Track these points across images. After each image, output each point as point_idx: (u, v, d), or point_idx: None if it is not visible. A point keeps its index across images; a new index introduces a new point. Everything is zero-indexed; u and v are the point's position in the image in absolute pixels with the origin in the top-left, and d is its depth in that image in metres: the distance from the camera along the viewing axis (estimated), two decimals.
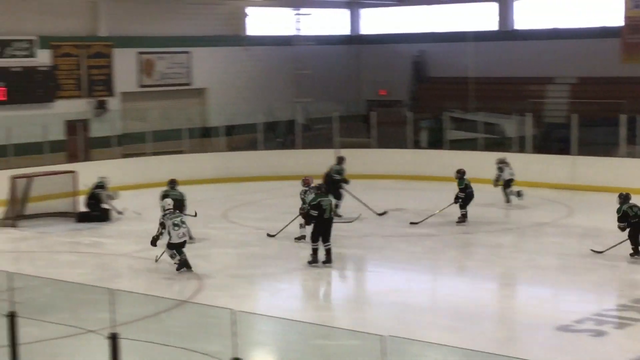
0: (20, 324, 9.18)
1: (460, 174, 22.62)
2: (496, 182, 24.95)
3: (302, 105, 35.39)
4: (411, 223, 22.27)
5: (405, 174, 29.15)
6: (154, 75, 33.94)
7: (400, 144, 30.87)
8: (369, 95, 39.54)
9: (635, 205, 18.20)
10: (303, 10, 37.01)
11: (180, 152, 29.99)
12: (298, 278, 18.40)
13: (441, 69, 38.10)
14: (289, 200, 26.20)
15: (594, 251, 18.78)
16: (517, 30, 37.20)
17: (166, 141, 31.16)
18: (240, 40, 35.26)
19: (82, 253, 20.42)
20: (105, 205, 23.68)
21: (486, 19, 37.85)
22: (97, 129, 31.62)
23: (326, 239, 18.13)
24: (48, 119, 29.24)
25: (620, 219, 18.19)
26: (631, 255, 18.09)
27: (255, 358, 10.49)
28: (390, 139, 32.27)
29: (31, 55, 30.30)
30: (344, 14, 40.72)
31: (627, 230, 18.13)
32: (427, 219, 22.24)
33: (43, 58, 30.64)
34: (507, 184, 24.86)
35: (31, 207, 24.12)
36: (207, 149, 31.74)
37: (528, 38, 36.48)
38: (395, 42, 39.13)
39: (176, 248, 17.84)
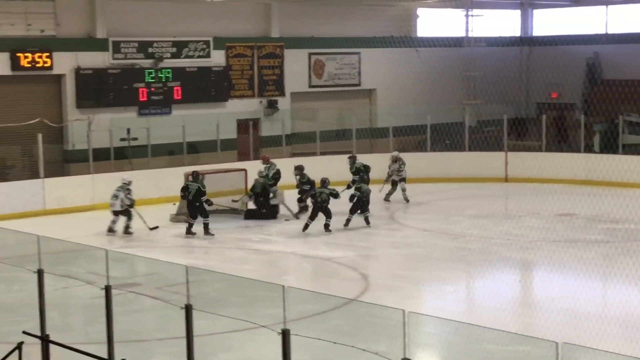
0: (194, 316, 9.40)
1: (299, 169, 24.50)
2: (390, 178, 26.51)
3: (471, 107, 35.03)
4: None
5: (576, 178, 28.40)
6: (323, 76, 34.29)
7: (572, 148, 30.16)
8: (539, 98, 38.76)
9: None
10: (474, 12, 36.60)
11: (348, 152, 30.15)
12: (464, 280, 18.25)
13: (616, 71, 36.94)
14: (455, 202, 26.09)
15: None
16: None
17: (334, 141, 31.46)
18: (410, 41, 35.18)
19: (251, 250, 20.83)
20: (273, 201, 24.07)
21: None
22: (267, 128, 32.21)
23: (203, 215, 21.84)
24: (221, 118, 29.98)
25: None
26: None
27: None
28: (561, 143, 31.57)
29: (206, 56, 31.13)
30: (515, 14, 40.06)
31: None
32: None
33: (217, 58, 31.44)
34: (403, 180, 26.34)
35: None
36: (375, 149, 31.84)
37: None
38: (568, 44, 38.19)
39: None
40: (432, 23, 36.96)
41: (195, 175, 22.37)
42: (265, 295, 12.96)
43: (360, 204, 22.73)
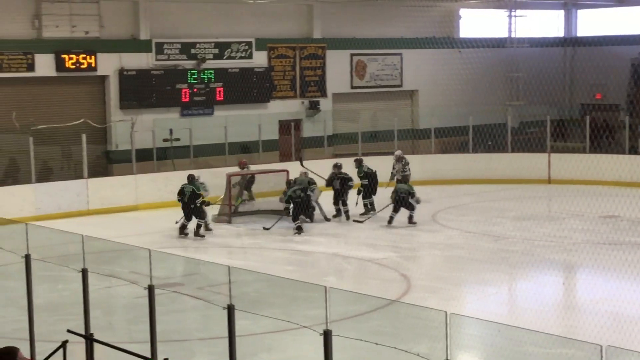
0: (235, 316, 9.43)
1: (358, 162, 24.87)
2: (394, 177, 26.30)
3: (514, 108, 34.82)
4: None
5: (621, 180, 28.11)
6: (365, 77, 34.27)
7: (616, 149, 29.88)
8: (583, 99, 38.41)
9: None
10: (517, 12, 36.39)
11: (390, 153, 30.11)
12: (506, 282, 18.15)
13: None
14: (498, 204, 25.95)
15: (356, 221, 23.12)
16: None
17: (376, 142, 31.41)
18: (452, 42, 35.03)
19: (292, 251, 20.86)
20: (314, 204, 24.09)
21: None
22: (309, 129, 32.26)
23: (198, 217, 21.73)
24: (262, 119, 30.08)
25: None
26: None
27: None
28: (605, 144, 31.29)
29: (248, 57, 31.23)
30: (559, 15, 39.74)
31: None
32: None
33: (259, 59, 31.53)
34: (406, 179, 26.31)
35: (245, 204, 24.86)
36: (417, 150, 31.76)
37: None
38: (612, 44, 37.79)
39: None
40: (475, 24, 36.77)
41: (191, 178, 22.33)
42: (307, 295, 13.00)
43: (401, 203, 22.75)
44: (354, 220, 23.32)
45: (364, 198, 24.36)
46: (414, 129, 33.93)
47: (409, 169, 26.67)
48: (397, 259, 19.34)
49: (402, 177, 26.47)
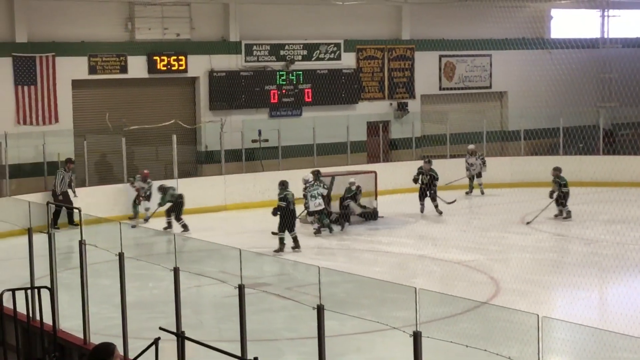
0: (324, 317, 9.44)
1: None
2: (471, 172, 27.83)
3: (606, 109, 34.20)
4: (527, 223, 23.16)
5: None
6: (454, 78, 34.04)
7: None
8: None
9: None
10: (610, 12, 35.73)
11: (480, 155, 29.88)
12: (598, 286, 17.82)
13: None
14: (589, 207, 25.46)
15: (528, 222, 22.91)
16: None
17: (464, 144, 31.16)
18: (543, 43, 34.55)
19: (380, 252, 20.82)
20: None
21: None
22: (397, 131, 32.18)
23: (291, 229, 20.45)
24: (350, 120, 30.09)
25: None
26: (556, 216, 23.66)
27: None
28: None
29: (337, 58, 31.30)
30: None
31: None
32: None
33: (348, 61, 31.57)
34: (479, 174, 28.01)
35: (334, 205, 24.88)
36: (506, 152, 31.43)
37: None
38: None
39: (314, 214, 22.15)
40: (566, 24, 36.22)
41: (287, 185, 21.05)
42: (395, 297, 12.96)
43: (562, 198, 23.77)
44: (527, 223, 23.35)
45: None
46: (503, 130, 33.58)
47: (487, 165, 28.10)
48: (486, 262, 19.17)
49: (477, 173, 27.83)
